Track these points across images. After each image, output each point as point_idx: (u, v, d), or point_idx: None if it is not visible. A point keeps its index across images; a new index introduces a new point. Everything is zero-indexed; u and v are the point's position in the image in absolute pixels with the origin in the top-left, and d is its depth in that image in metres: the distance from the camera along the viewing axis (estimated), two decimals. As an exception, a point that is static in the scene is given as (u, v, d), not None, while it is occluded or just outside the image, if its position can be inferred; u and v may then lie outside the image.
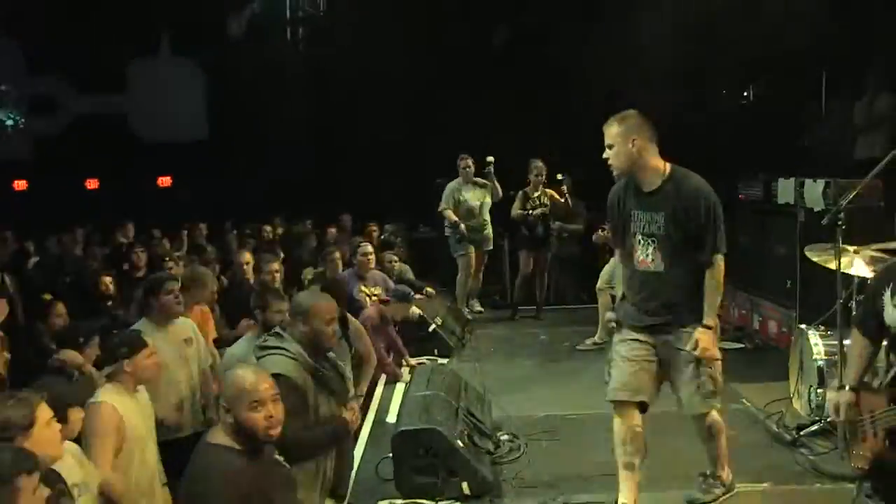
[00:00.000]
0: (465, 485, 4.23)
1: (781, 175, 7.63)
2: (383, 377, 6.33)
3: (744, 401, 5.87)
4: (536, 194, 8.67)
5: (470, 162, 8.83)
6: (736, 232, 8.42)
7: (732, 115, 10.54)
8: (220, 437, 2.90)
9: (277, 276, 6.36)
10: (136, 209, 11.90)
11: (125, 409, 3.60)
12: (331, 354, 3.90)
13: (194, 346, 4.83)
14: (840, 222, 4.68)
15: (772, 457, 4.89)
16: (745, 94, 11.17)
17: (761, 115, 10.22)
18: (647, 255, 3.96)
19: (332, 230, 9.33)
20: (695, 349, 3.84)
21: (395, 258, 7.91)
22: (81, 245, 9.75)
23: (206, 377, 4.82)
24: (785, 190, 7.28)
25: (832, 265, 4.92)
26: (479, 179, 8.91)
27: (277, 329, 3.77)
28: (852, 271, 4.97)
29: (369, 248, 6.99)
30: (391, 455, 4.35)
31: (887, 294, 3.10)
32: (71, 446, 3.29)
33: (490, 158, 8.87)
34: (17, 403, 2.66)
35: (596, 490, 4.45)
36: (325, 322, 3.72)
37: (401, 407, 4.99)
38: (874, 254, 5.03)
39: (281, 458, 3.14)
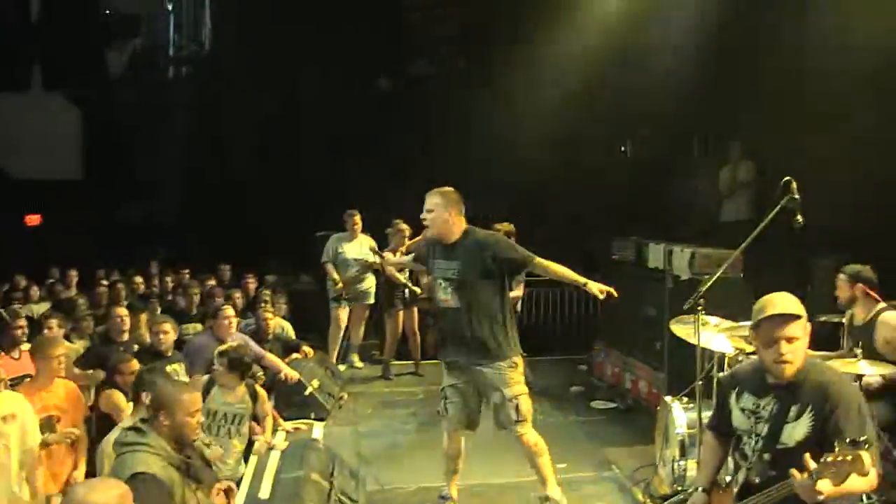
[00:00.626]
0: (334, 574, 4.17)
1: (653, 238, 7.98)
2: (257, 444, 6.18)
3: (613, 467, 6.05)
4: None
5: (357, 218, 8.80)
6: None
7: (607, 172, 10.94)
8: None
9: (168, 338, 6.14)
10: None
11: None
12: (196, 442, 3.80)
13: (17, 422, 4.54)
14: (700, 307, 4.90)
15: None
16: (622, 148, 11.64)
17: (635, 172, 10.68)
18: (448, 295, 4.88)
19: (212, 282, 9.07)
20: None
21: (271, 315, 7.69)
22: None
23: (30, 457, 4.60)
24: (655, 255, 7.58)
25: (693, 340, 5.14)
26: (363, 236, 8.87)
27: (137, 423, 3.63)
28: (714, 347, 5.23)
29: (230, 312, 6.71)
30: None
31: (733, 398, 3.28)
32: None
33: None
34: None
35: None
36: (189, 414, 3.62)
37: (273, 487, 4.86)
38: (734, 327, 5.30)
39: None
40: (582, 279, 5.24)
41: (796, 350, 3.04)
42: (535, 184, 10.87)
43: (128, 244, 11.32)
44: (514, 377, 4.94)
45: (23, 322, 6.36)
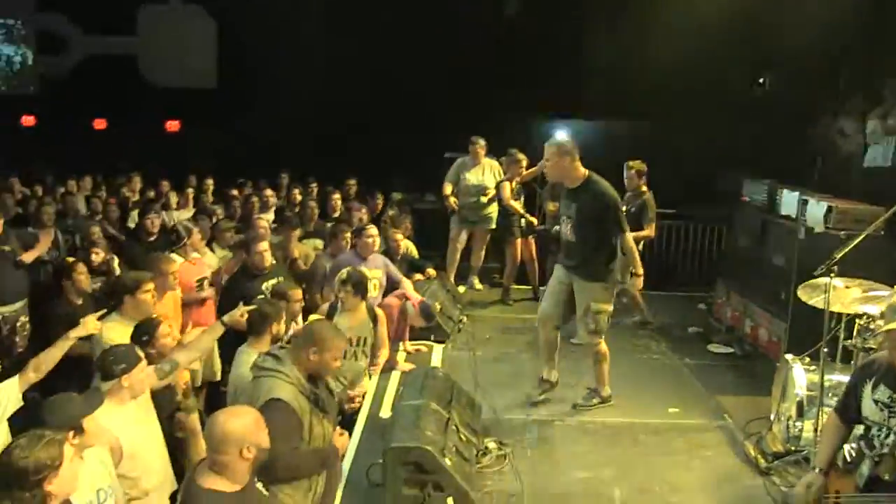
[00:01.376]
0: (450, 500, 4.41)
1: (788, 183, 7.72)
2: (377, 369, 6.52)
3: (726, 416, 6.06)
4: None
5: (480, 146, 8.86)
6: (737, 233, 8.57)
7: (745, 108, 10.50)
8: (208, 479, 3.02)
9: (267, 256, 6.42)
10: (144, 153, 12.03)
11: (119, 422, 3.73)
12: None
13: None
14: (832, 273, 4.78)
15: (746, 485, 5.07)
16: (761, 81, 11.09)
17: (775, 110, 10.20)
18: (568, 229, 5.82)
19: (336, 197, 9.35)
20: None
21: (401, 236, 7.97)
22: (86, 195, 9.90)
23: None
24: (788, 202, 7.35)
25: (822, 306, 5.03)
26: (491, 162, 8.95)
27: (275, 351, 3.90)
28: (848, 310, 5.10)
29: (374, 231, 7.04)
30: (381, 462, 4.53)
31: (867, 388, 3.24)
32: (98, 451, 3.46)
33: None
34: (48, 445, 2.79)
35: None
36: (335, 358, 3.89)
37: (393, 412, 5.15)
38: (866, 293, 5.15)
39: (261, 486, 3.29)
40: (639, 269, 6.01)
41: None
42: (662, 115, 10.56)
43: (256, 155, 11.73)
44: (604, 296, 5.80)
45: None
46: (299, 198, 9.64)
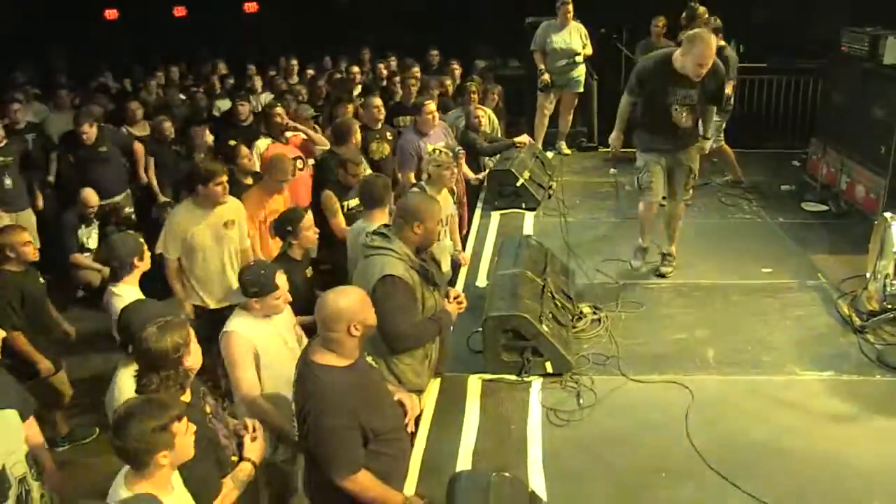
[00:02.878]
0: (548, 364, 4.66)
1: (893, 30, 7.31)
2: (471, 241, 6.71)
3: (819, 275, 6.07)
4: (660, 45, 8.61)
5: (569, 6, 8.63)
6: (832, 86, 8.24)
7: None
8: (322, 356, 3.23)
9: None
10: (224, 37, 12.12)
11: (255, 334, 3.93)
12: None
13: (235, 228, 5.39)
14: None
15: (839, 343, 5.14)
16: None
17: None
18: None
19: (416, 70, 9.30)
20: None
21: (482, 112, 7.92)
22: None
23: (245, 256, 5.46)
24: (892, 50, 6.99)
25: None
26: (577, 24, 8.76)
27: (382, 229, 4.07)
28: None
29: (432, 107, 6.94)
30: (481, 331, 4.77)
31: None
32: None
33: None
34: (177, 327, 3.11)
35: (666, 368, 4.84)
36: (438, 222, 4.06)
37: (490, 283, 5.35)
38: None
39: (370, 360, 3.54)
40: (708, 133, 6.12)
41: None
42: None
43: (339, 28, 11.66)
44: (698, 158, 6.04)
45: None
46: (385, 73, 9.62)
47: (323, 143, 7.03)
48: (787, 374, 4.81)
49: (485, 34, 10.29)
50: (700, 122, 5.92)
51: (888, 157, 6.68)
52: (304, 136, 7.23)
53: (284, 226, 4.94)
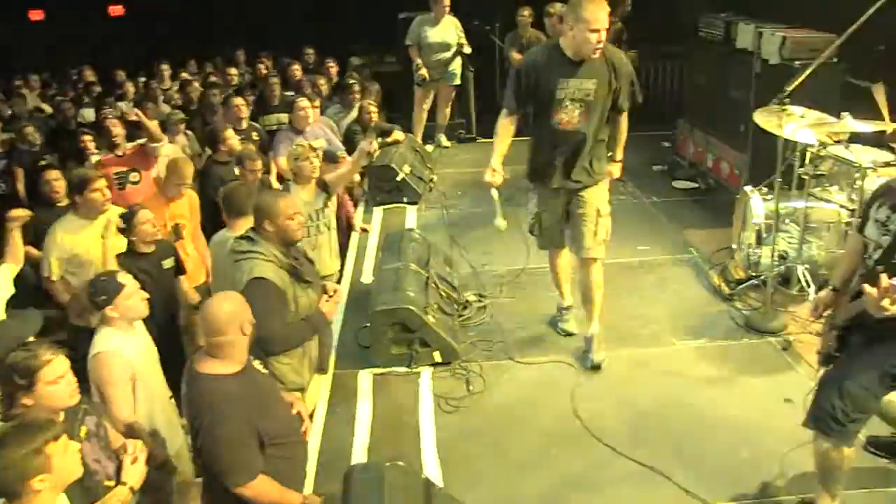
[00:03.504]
0: (436, 354, 4.74)
1: (745, 16, 7.73)
2: (356, 237, 6.71)
3: (692, 249, 6.38)
4: (527, 35, 8.74)
5: (446, 1, 8.71)
6: (694, 69, 8.63)
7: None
8: (209, 366, 3.19)
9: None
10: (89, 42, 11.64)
11: (127, 350, 3.77)
12: (299, 245, 4.20)
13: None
14: (784, 106, 4.92)
15: (711, 312, 5.44)
16: None
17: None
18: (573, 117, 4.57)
19: (296, 68, 9.23)
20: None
21: (374, 108, 7.90)
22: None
23: None
24: (744, 35, 7.37)
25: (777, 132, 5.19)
26: (452, 18, 8.85)
27: (248, 233, 4.03)
28: (798, 138, 5.27)
29: (304, 103, 6.92)
30: (369, 325, 4.80)
31: (874, 208, 3.34)
32: None
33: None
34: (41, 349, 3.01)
35: (551, 349, 4.99)
36: (289, 217, 3.97)
37: (375, 278, 5.38)
38: (821, 120, 5.31)
39: (258, 364, 3.51)
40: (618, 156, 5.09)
41: None
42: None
43: (211, 31, 11.40)
44: (606, 194, 4.87)
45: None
46: (263, 72, 9.47)
47: (160, 139, 6.65)
48: (666, 345, 5.05)
49: (360, 31, 10.26)
50: (606, 136, 4.80)
51: (747, 135, 7.04)
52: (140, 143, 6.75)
53: (123, 226, 4.80)
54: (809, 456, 3.48)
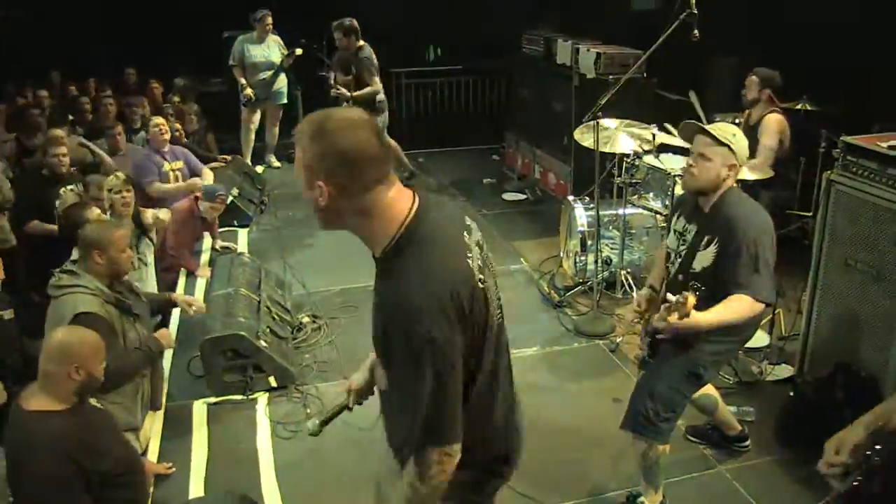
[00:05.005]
0: (271, 378, 4.62)
1: (563, 33, 8.11)
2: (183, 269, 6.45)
3: (522, 259, 6.57)
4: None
5: (268, 19, 8.57)
6: (519, 84, 8.95)
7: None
8: (37, 401, 2.97)
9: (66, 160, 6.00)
10: None
11: None
12: (126, 277, 4.01)
13: None
14: (598, 119, 5.17)
15: (542, 319, 5.62)
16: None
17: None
18: None
19: (107, 94, 8.73)
20: None
21: (180, 127, 7.59)
22: None
23: None
24: (563, 52, 7.73)
25: (592, 144, 5.44)
26: (273, 37, 8.73)
27: (69, 266, 3.80)
28: (616, 150, 5.56)
29: (160, 120, 6.73)
30: (200, 355, 4.62)
31: (674, 218, 3.53)
32: None
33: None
34: None
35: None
36: (121, 250, 3.81)
37: (206, 305, 5.18)
38: (634, 131, 5.63)
39: (95, 402, 3.31)
40: None
41: (704, 169, 3.22)
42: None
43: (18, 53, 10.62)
44: None
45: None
46: (77, 95, 8.94)
47: None
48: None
49: (183, 51, 9.89)
50: None
51: (570, 147, 7.36)
52: None
53: None
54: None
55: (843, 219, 4.18)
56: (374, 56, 7.53)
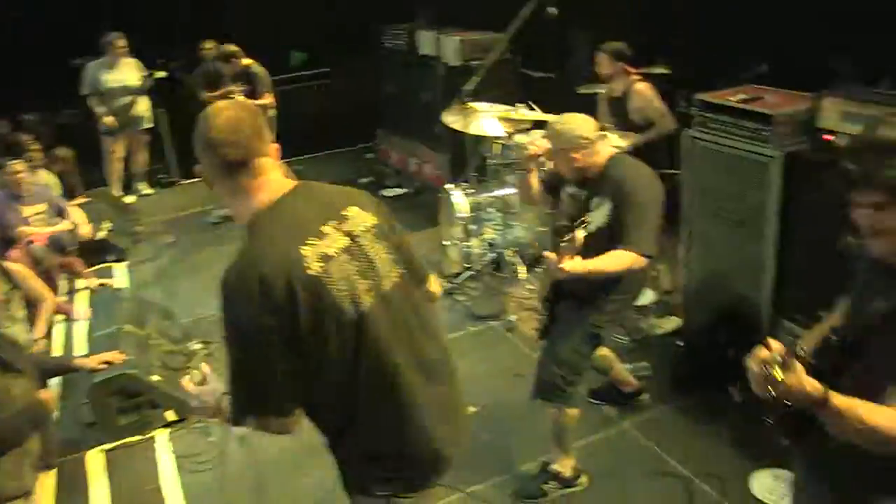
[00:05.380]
0: (168, 413, 4.48)
1: (424, 25, 8.12)
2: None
3: (409, 253, 6.55)
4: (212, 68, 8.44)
5: (120, 42, 8.23)
6: (385, 79, 8.93)
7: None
8: None
9: None
10: None
11: None
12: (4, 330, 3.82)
13: None
14: (465, 105, 5.23)
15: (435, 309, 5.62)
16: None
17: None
18: None
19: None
20: None
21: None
22: None
23: None
24: (426, 42, 7.76)
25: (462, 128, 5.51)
26: (128, 60, 8.40)
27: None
28: (486, 132, 5.62)
29: (18, 166, 6.35)
30: (88, 402, 4.43)
31: (565, 185, 3.68)
32: None
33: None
34: None
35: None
36: None
37: (90, 346, 4.98)
38: (503, 112, 5.71)
39: None
40: None
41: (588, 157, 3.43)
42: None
43: None
44: None
45: None
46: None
47: None
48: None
49: (28, 85, 9.37)
50: None
51: (443, 136, 7.40)
52: None
53: None
54: (542, 422, 3.75)
55: (706, 172, 4.36)
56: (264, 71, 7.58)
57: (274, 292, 1.94)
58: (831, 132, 3.67)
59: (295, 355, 2.01)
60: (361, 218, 2.21)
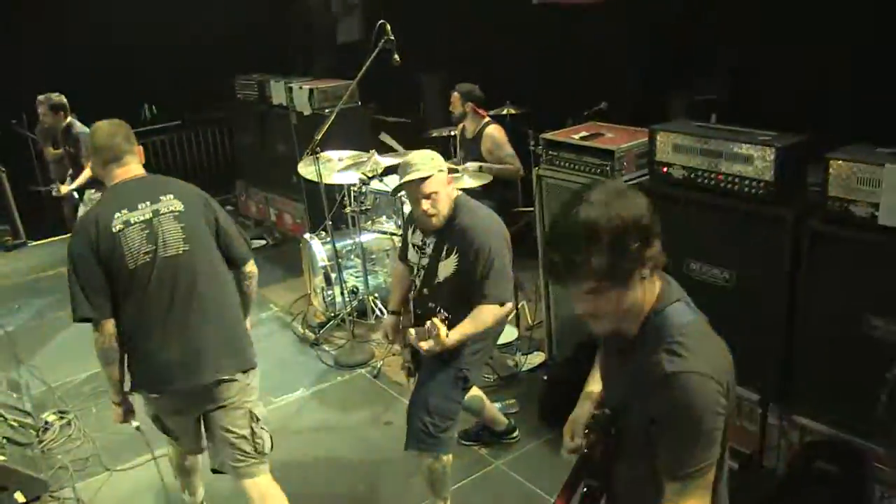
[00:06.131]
0: (18, 495, 4.18)
1: (275, 74, 8.11)
2: None
3: (272, 305, 6.47)
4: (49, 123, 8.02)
5: None
6: (241, 130, 8.83)
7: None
8: None
9: None
10: None
11: None
12: None
13: None
14: (318, 154, 5.24)
15: (302, 361, 5.58)
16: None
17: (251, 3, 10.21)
18: None
19: None
20: None
21: None
22: None
23: None
24: (277, 92, 7.73)
25: (316, 178, 5.49)
26: None
27: None
28: (341, 181, 5.62)
29: None
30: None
31: (409, 232, 3.67)
32: None
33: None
34: None
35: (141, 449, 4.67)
36: None
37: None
38: (356, 160, 5.73)
39: None
40: None
41: (437, 202, 3.38)
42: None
43: None
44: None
45: None
46: None
47: None
48: (265, 405, 5.00)
49: None
50: None
51: (300, 184, 7.35)
52: None
53: None
54: (417, 470, 3.72)
55: (556, 208, 4.51)
56: (87, 131, 7.01)
57: (92, 240, 3.04)
58: (668, 164, 3.88)
59: (104, 276, 3.05)
60: (171, 203, 3.15)
